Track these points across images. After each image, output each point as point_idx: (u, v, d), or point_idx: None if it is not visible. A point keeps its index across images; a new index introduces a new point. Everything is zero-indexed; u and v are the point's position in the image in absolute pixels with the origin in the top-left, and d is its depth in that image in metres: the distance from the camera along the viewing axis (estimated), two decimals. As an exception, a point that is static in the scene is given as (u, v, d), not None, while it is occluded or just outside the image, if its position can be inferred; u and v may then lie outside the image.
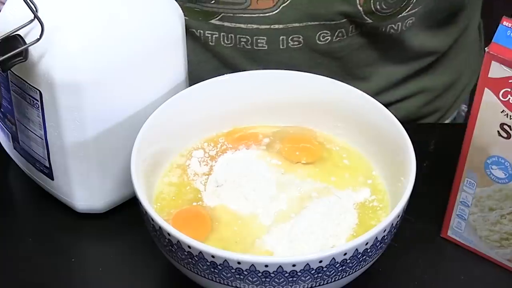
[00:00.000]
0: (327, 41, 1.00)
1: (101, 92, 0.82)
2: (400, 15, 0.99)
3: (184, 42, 0.88)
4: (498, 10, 0.83)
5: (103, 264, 0.87)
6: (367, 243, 0.74)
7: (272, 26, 0.98)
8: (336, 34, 0.99)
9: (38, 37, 0.78)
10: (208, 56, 1.02)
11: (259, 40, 0.99)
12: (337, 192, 0.84)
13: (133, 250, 0.88)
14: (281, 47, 1.00)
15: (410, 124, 0.86)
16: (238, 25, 0.98)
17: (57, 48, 0.80)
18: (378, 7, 0.97)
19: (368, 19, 0.98)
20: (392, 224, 0.76)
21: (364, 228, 0.80)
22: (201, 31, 1.00)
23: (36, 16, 0.78)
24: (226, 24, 0.98)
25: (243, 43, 1.00)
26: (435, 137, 0.97)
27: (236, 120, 0.90)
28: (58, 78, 0.80)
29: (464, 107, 1.21)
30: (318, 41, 1.00)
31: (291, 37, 0.99)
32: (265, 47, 1.00)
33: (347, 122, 0.88)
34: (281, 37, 0.99)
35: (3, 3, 0.85)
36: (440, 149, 0.97)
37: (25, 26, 0.79)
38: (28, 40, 0.79)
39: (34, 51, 0.80)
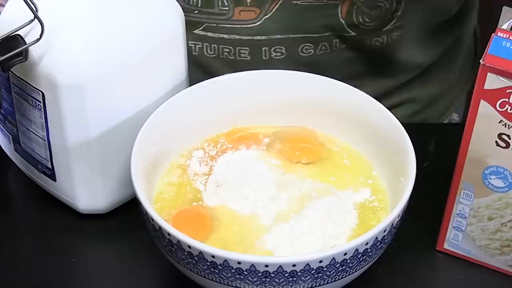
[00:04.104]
0: (310, 54, 1.00)
1: (104, 92, 0.82)
2: (384, 28, 0.99)
3: (185, 42, 0.88)
4: (497, 18, 0.82)
5: (103, 264, 0.87)
6: (367, 243, 0.74)
7: (254, 37, 0.98)
8: (319, 47, 0.99)
9: (38, 37, 0.78)
10: (191, 66, 1.02)
11: (241, 51, 0.99)
12: (337, 192, 0.84)
13: (133, 250, 0.88)
14: (263, 58, 1.00)
15: (410, 124, 0.86)
16: (221, 35, 0.99)
17: (58, 48, 0.80)
18: (360, 20, 0.97)
19: (351, 32, 0.98)
20: (392, 224, 0.76)
21: (364, 228, 0.80)
22: None
23: (36, 16, 0.78)
24: (209, 34, 0.98)
25: (226, 53, 1.00)
26: (435, 137, 0.97)
27: (236, 120, 0.90)
28: (60, 79, 0.80)
29: (455, 116, 1.20)
30: (301, 53, 1.00)
31: (273, 48, 0.99)
32: (247, 57, 1.00)
33: (347, 122, 0.88)
34: (263, 48, 0.99)
35: (3, 6, 0.85)
36: (440, 149, 0.97)
37: (25, 26, 0.79)
38: (28, 40, 0.79)
39: (34, 51, 0.80)
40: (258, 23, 0.97)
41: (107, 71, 0.82)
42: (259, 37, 0.98)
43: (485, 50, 0.75)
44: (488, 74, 0.74)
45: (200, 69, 1.03)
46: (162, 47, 0.86)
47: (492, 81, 0.75)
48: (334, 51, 1.00)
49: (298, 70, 0.98)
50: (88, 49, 0.81)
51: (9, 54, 0.78)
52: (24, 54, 0.79)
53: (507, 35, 0.75)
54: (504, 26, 0.77)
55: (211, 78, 1.01)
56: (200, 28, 0.99)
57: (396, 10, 0.98)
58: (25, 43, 0.79)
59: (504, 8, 0.78)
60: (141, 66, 0.84)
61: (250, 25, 0.97)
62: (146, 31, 0.84)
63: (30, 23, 0.79)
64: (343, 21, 0.97)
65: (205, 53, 1.01)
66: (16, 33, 0.79)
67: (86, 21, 0.81)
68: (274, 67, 0.99)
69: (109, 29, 0.82)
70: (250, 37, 0.98)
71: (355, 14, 0.97)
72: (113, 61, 0.82)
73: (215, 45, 1.00)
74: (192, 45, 1.00)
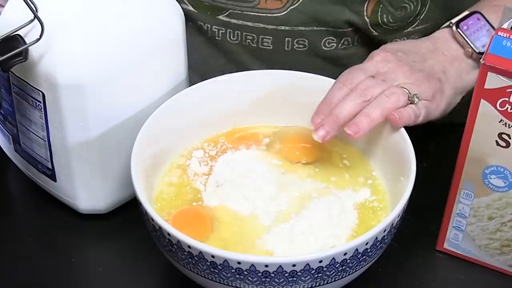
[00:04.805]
0: (332, 48, 1.00)
1: (104, 92, 0.82)
2: (405, 30, 1.00)
3: (185, 42, 0.88)
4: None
5: (103, 264, 0.87)
6: (367, 243, 0.74)
7: (278, 27, 0.98)
8: (342, 41, 1.00)
9: (38, 37, 0.78)
10: (214, 51, 1.03)
11: (264, 40, 1.00)
12: (337, 192, 0.84)
13: (133, 250, 0.88)
14: (286, 48, 1.00)
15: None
16: (245, 22, 0.99)
17: (58, 48, 0.80)
18: (385, 20, 0.98)
19: (374, 31, 0.99)
20: (392, 224, 0.76)
21: (364, 228, 0.80)
22: (209, 25, 1.01)
23: (36, 16, 0.78)
24: (233, 21, 0.99)
25: (249, 40, 1.00)
26: (435, 137, 0.97)
27: (236, 120, 0.90)
28: (60, 79, 0.80)
29: None
30: (323, 47, 1.00)
31: (296, 39, 0.99)
32: (270, 46, 1.00)
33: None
34: (286, 39, 0.99)
35: (3, 6, 0.85)
36: (440, 149, 0.97)
37: (25, 26, 0.79)
38: (28, 40, 0.79)
39: (35, 51, 0.80)
40: (284, 13, 0.97)
41: (107, 71, 0.82)
42: (283, 27, 0.99)
43: (486, 50, 0.75)
44: (489, 73, 0.74)
45: (222, 54, 1.03)
46: (162, 47, 0.86)
47: (493, 81, 0.75)
48: (355, 46, 1.00)
49: (319, 63, 0.98)
50: (88, 49, 0.81)
51: (9, 54, 0.78)
52: (24, 54, 0.79)
53: (508, 35, 0.75)
54: (505, 26, 0.77)
55: (233, 64, 1.01)
56: (225, 14, 0.99)
57: (419, 13, 0.99)
58: (25, 43, 0.79)
59: (505, 7, 0.78)
60: (141, 66, 0.84)
61: (275, 15, 0.98)
62: (146, 31, 0.84)
63: (30, 23, 0.79)
64: (367, 19, 0.97)
65: (228, 39, 1.01)
66: (16, 33, 0.79)
67: (86, 21, 0.81)
68: (296, 59, 0.99)
69: (109, 30, 0.82)
70: (274, 27, 0.99)
71: (380, 13, 0.97)
72: (113, 61, 0.82)
73: (239, 32, 1.00)
74: (216, 30, 1.01)
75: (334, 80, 0.87)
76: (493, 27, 0.90)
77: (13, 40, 0.79)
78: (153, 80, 0.86)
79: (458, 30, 0.90)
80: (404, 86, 0.84)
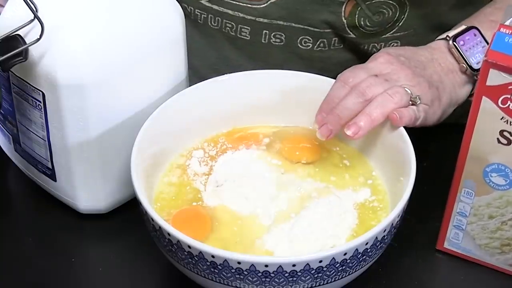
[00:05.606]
0: (308, 48, 1.00)
1: (104, 92, 0.82)
2: (383, 36, 1.00)
3: (185, 42, 0.88)
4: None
5: (103, 264, 0.87)
6: (367, 243, 0.74)
7: (257, 19, 0.99)
8: (317, 43, 1.00)
9: (38, 37, 0.78)
10: (196, 34, 1.03)
11: (243, 29, 1.00)
12: (337, 192, 0.84)
13: (133, 250, 0.88)
14: (263, 41, 1.01)
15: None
16: (226, 10, 1.00)
17: (58, 48, 0.80)
18: (362, 23, 0.98)
19: (351, 33, 0.99)
20: (392, 224, 0.76)
21: (364, 228, 0.80)
22: (192, 8, 1.01)
23: (36, 16, 0.78)
24: (214, 7, 1.00)
25: (228, 28, 1.01)
26: (435, 137, 0.97)
27: (236, 120, 0.90)
28: (61, 79, 0.80)
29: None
30: (299, 45, 1.00)
31: (273, 33, 1.00)
32: (247, 37, 1.01)
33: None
34: (264, 31, 1.00)
35: (3, 6, 0.86)
36: (440, 149, 0.97)
37: (25, 26, 0.79)
38: (28, 40, 0.79)
39: (35, 51, 0.80)
40: (263, 5, 0.98)
41: (107, 71, 0.82)
42: (261, 20, 0.99)
43: (488, 46, 0.75)
44: (491, 70, 0.74)
45: (203, 38, 1.04)
46: (162, 47, 0.86)
47: (495, 77, 0.74)
48: (332, 50, 1.01)
49: (294, 61, 0.98)
50: (88, 49, 0.81)
51: (9, 54, 0.78)
52: (24, 54, 0.79)
53: (510, 31, 0.75)
54: (507, 22, 0.77)
55: (212, 49, 1.01)
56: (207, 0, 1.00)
57: (397, 20, 0.99)
58: (25, 43, 0.79)
59: (508, 6, 0.78)
60: (141, 66, 0.84)
61: (254, 6, 0.98)
62: (146, 31, 0.84)
63: (30, 23, 0.79)
64: (345, 20, 0.98)
65: (209, 24, 1.02)
66: (16, 33, 0.79)
67: (86, 21, 0.81)
68: (272, 52, 1.00)
69: (109, 29, 0.82)
70: (252, 18, 0.99)
71: (357, 15, 0.97)
72: (113, 61, 0.82)
73: (219, 18, 1.01)
74: (198, 14, 1.01)
75: (334, 80, 0.87)
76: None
77: (13, 40, 0.79)
78: (153, 80, 0.86)
79: (455, 44, 0.90)
80: (406, 87, 0.84)
